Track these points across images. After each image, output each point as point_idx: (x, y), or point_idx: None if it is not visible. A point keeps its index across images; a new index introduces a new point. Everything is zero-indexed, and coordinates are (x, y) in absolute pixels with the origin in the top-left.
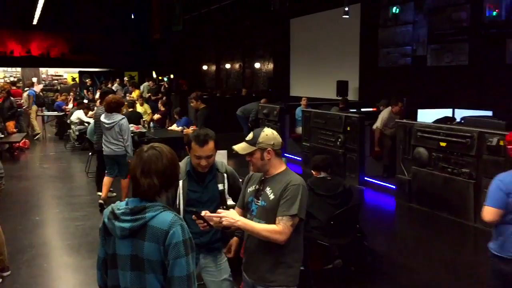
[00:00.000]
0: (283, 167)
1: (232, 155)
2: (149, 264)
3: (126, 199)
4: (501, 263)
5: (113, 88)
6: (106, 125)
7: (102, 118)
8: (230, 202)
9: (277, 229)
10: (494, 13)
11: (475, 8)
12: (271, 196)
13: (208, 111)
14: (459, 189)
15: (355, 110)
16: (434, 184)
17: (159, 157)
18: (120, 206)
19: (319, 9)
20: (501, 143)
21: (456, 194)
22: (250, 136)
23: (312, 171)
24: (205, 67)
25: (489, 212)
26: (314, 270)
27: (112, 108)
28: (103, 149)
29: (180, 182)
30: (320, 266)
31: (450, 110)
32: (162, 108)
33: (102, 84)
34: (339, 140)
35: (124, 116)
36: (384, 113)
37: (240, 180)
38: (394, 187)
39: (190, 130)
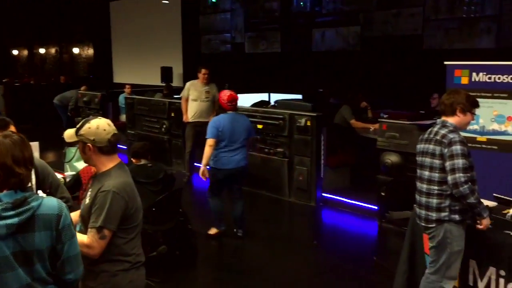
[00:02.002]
0: (110, 165)
1: (43, 147)
2: (37, 255)
3: None
4: (217, 172)
5: None
6: None
7: None
8: None
9: (85, 242)
10: (302, 3)
11: None
12: (87, 200)
13: None
14: (275, 168)
15: (179, 96)
16: (253, 165)
17: (25, 143)
18: None
19: None
20: (308, 123)
21: (273, 173)
22: (79, 123)
23: (132, 158)
24: (15, 52)
25: (209, 142)
26: None
27: None
28: None
29: None
30: (144, 254)
31: (267, 95)
32: None
33: None
34: (164, 126)
35: None
36: None
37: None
38: None
39: None
